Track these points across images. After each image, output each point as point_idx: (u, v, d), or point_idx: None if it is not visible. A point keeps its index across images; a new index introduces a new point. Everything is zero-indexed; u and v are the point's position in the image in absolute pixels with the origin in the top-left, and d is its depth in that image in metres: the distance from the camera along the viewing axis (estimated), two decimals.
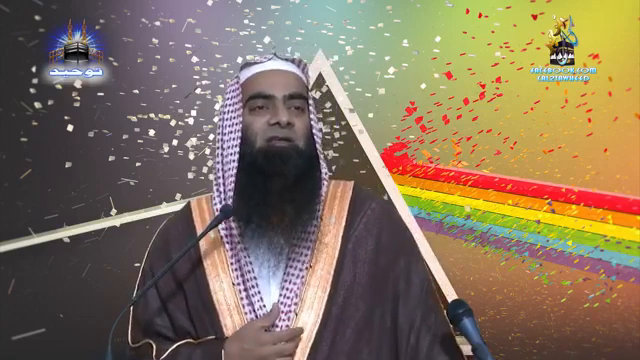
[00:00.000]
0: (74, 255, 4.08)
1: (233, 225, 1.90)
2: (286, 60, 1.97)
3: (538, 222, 4.47)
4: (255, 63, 1.95)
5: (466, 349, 1.85)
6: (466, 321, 1.75)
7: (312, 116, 1.96)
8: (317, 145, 1.94)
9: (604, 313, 4.41)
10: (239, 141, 1.89)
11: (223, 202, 1.93)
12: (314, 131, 1.95)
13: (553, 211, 4.48)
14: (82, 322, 3.94)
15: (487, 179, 4.49)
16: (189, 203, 2.06)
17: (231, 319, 1.89)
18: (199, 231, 1.94)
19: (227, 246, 1.93)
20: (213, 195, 1.98)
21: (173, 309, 1.95)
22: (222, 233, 1.94)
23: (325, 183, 1.97)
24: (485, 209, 4.49)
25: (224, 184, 1.93)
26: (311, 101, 1.97)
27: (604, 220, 4.45)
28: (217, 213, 1.93)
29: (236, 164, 1.89)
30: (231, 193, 1.89)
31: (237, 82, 1.95)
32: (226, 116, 1.94)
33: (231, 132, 1.91)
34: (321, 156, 1.96)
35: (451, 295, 4.25)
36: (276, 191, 1.84)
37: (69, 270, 4.07)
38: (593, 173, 4.47)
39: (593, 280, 4.43)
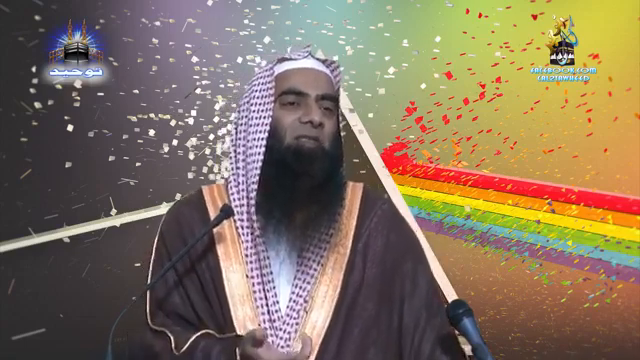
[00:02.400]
0: (74, 255, 4.07)
1: (254, 218, 1.89)
2: (319, 60, 1.96)
3: (538, 222, 4.47)
4: (290, 59, 1.94)
5: (466, 349, 1.85)
6: (466, 321, 1.75)
7: (340, 119, 1.95)
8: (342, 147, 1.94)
9: (604, 313, 4.41)
10: (266, 134, 1.87)
11: (243, 192, 1.92)
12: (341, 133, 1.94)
13: (553, 211, 4.48)
14: (82, 322, 3.93)
15: (487, 179, 4.49)
16: (201, 189, 2.05)
17: (242, 311, 1.88)
18: (212, 218, 1.93)
19: (243, 238, 1.92)
20: (230, 185, 1.96)
21: (191, 289, 1.93)
22: (238, 224, 1.93)
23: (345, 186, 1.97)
24: (485, 209, 4.50)
25: (246, 175, 1.92)
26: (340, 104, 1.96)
27: (604, 220, 4.45)
28: (233, 204, 1.92)
29: (261, 157, 1.87)
30: (255, 186, 1.88)
31: (271, 75, 1.92)
32: (254, 107, 1.91)
33: (258, 124, 1.89)
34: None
35: (451, 295, 4.25)
36: (303, 190, 1.85)
37: (69, 270, 4.07)
38: (593, 173, 4.47)
39: (593, 280, 4.43)
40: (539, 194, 4.49)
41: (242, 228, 1.92)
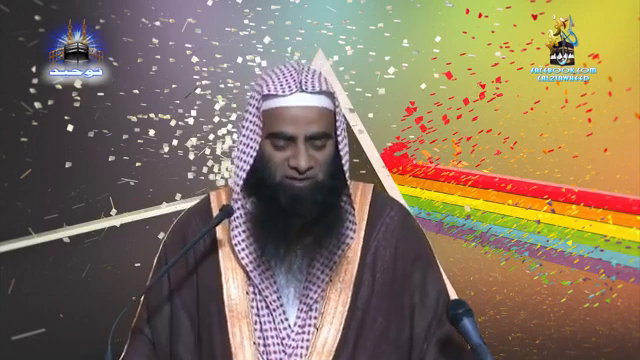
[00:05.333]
0: (74, 255, 4.08)
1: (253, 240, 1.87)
2: (312, 93, 1.82)
3: (538, 222, 4.47)
4: (277, 95, 1.81)
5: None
6: (466, 321, 1.74)
7: (339, 139, 1.86)
8: (343, 167, 1.86)
9: (604, 313, 4.41)
10: (249, 167, 1.84)
11: (240, 200, 1.89)
12: (341, 153, 1.86)
13: (553, 211, 4.47)
14: (82, 322, 3.94)
15: (487, 179, 4.49)
16: (208, 195, 2.03)
17: (239, 328, 1.87)
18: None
19: (245, 252, 1.89)
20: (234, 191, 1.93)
21: (179, 308, 1.94)
22: (234, 241, 1.90)
23: (352, 210, 1.90)
24: (485, 209, 4.49)
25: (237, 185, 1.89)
26: (339, 124, 1.86)
27: (604, 220, 4.45)
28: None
29: (242, 181, 1.85)
30: (238, 200, 1.87)
31: (257, 109, 1.83)
32: (244, 132, 1.86)
33: (244, 152, 1.85)
34: (347, 174, 1.87)
35: (451, 295, 4.24)
36: (294, 227, 1.83)
37: (69, 270, 4.07)
38: (593, 173, 4.46)
39: (593, 280, 4.42)
40: (539, 194, 4.49)
41: (238, 244, 1.89)
